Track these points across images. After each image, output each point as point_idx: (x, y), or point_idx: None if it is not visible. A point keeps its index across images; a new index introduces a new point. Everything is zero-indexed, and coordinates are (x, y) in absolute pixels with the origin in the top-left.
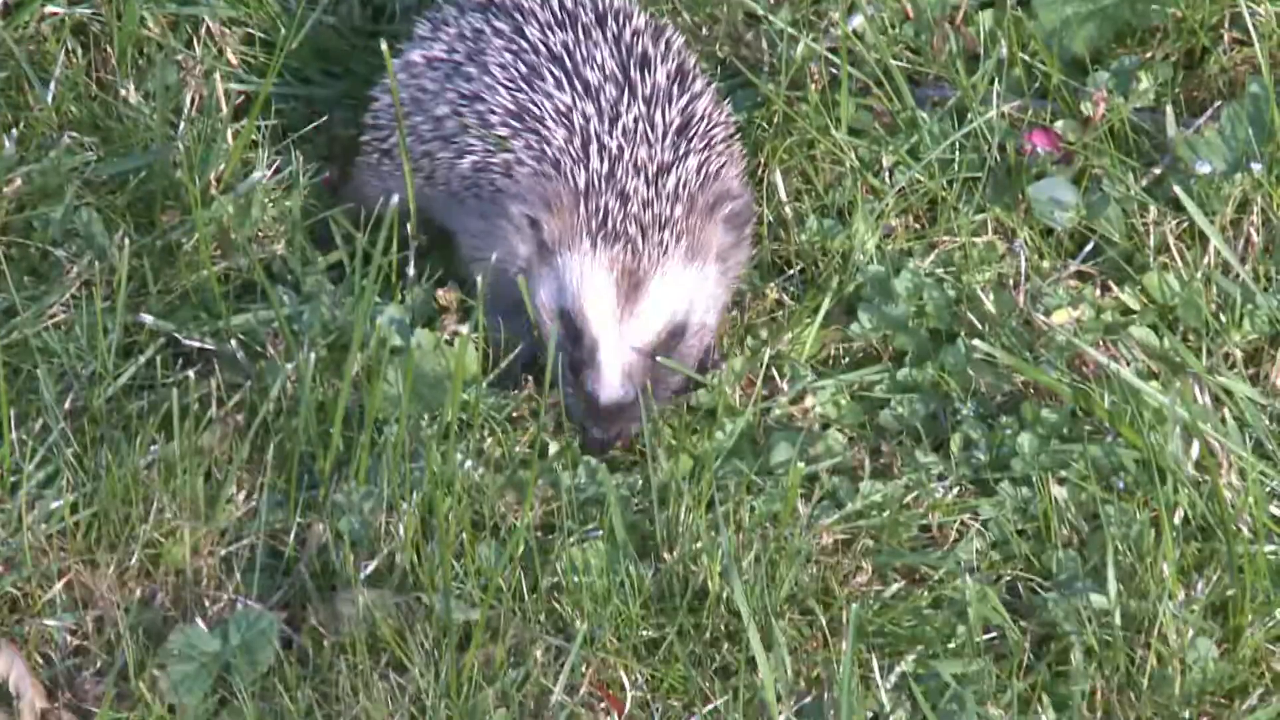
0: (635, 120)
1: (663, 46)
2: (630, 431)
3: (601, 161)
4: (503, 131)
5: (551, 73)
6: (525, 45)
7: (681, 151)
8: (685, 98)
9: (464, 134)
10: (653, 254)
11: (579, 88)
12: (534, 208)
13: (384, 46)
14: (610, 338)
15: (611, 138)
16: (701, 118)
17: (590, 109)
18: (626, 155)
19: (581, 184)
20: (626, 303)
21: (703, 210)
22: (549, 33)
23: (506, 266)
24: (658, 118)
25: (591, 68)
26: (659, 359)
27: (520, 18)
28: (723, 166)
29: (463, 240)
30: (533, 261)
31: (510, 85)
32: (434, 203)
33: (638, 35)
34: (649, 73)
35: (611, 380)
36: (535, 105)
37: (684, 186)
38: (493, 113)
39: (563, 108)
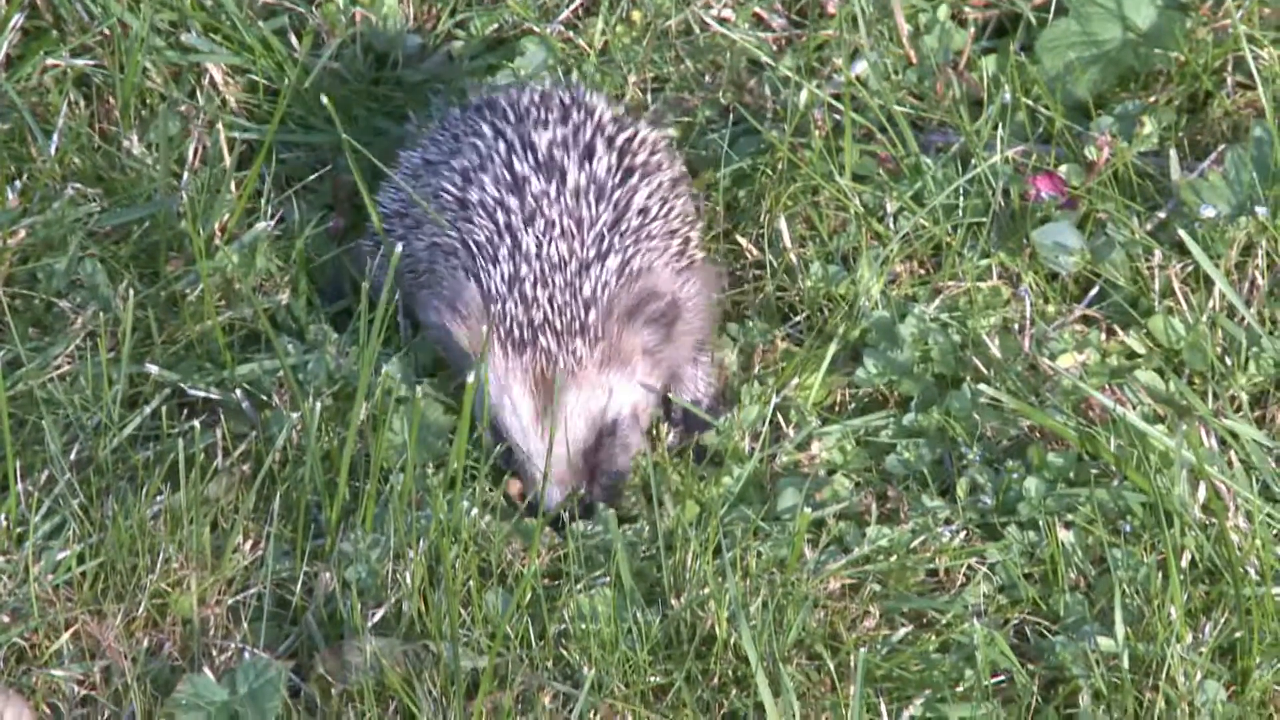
0: (560, 214)
1: (614, 138)
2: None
3: (511, 263)
4: (446, 217)
5: (491, 166)
6: (484, 140)
7: (605, 247)
8: (623, 190)
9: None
10: (566, 361)
11: (507, 180)
12: (444, 316)
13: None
14: (534, 450)
15: (529, 233)
16: (640, 211)
17: (514, 202)
18: (543, 253)
19: (492, 289)
20: (544, 417)
21: (622, 315)
22: (504, 126)
23: (449, 349)
24: (584, 212)
25: (526, 159)
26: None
27: (489, 115)
28: (654, 261)
29: (426, 333)
30: (458, 366)
31: (461, 175)
32: (412, 291)
33: (593, 126)
34: (590, 163)
35: (548, 490)
36: (472, 198)
37: (603, 288)
38: (443, 202)
39: (491, 201)
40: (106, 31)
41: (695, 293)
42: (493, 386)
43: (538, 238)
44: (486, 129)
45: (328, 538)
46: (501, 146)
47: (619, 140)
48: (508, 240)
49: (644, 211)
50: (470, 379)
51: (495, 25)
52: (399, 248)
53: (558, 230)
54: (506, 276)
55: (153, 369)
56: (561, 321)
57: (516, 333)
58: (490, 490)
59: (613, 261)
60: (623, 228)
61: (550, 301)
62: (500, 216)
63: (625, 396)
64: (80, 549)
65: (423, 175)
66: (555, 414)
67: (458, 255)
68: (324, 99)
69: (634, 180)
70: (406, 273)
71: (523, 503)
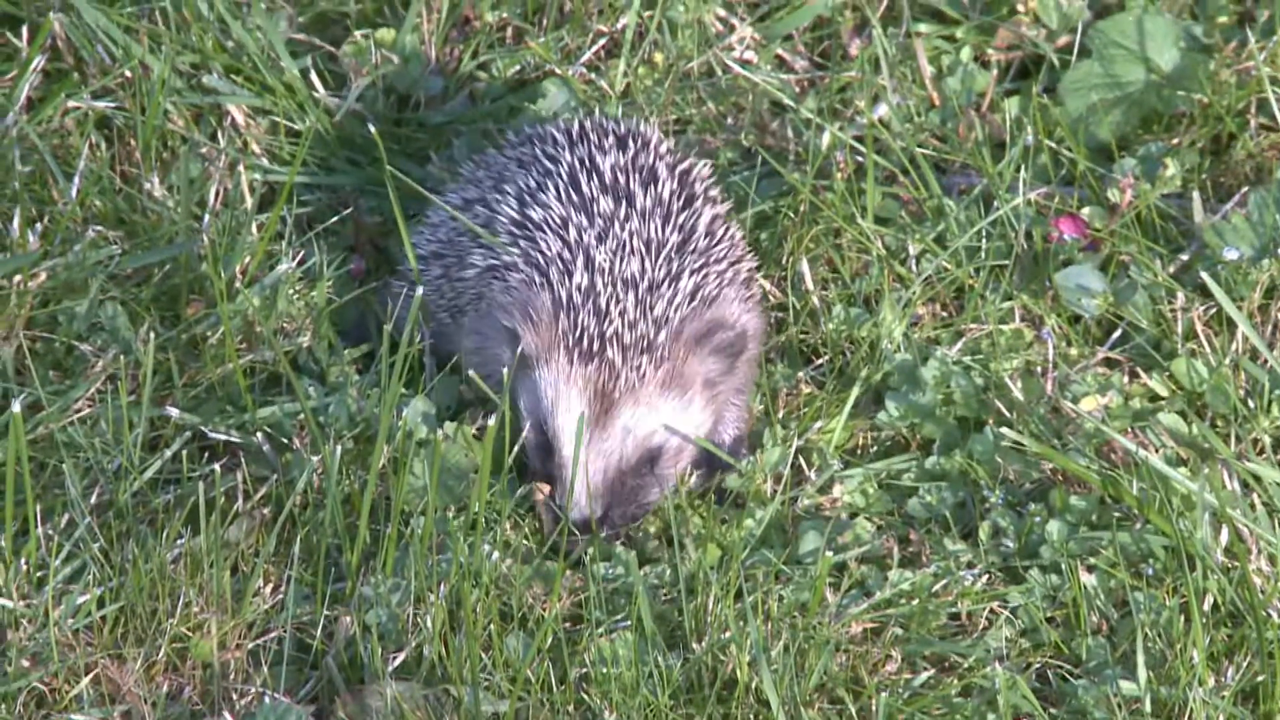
0: (630, 234)
1: (674, 165)
2: (585, 547)
3: (586, 275)
4: (504, 239)
5: (555, 186)
6: (539, 166)
7: (676, 269)
8: (687, 213)
9: (471, 244)
10: (629, 378)
11: (575, 200)
12: (513, 319)
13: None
14: (580, 458)
15: (600, 250)
16: (705, 234)
17: (584, 221)
18: (615, 269)
19: (563, 297)
20: (597, 425)
21: (689, 340)
22: (562, 151)
23: (490, 374)
24: (652, 233)
25: (592, 181)
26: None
27: (541, 144)
28: (722, 289)
29: (466, 359)
30: (514, 370)
31: (517, 198)
32: (444, 330)
33: (652, 153)
34: (653, 186)
35: (579, 499)
36: (534, 216)
37: (674, 309)
38: (499, 222)
39: (558, 219)
40: (128, 74)
41: (758, 328)
42: (549, 389)
43: (609, 255)
44: (541, 155)
45: (348, 581)
46: (564, 168)
47: (678, 168)
48: (581, 255)
49: (710, 235)
50: (494, 417)
51: (517, 67)
52: (419, 292)
53: (629, 249)
54: (582, 288)
55: (173, 412)
56: (630, 337)
57: (585, 343)
58: (511, 529)
59: (685, 283)
60: (690, 249)
61: (622, 316)
62: (570, 233)
63: (679, 424)
64: (100, 593)
65: (466, 212)
66: (608, 425)
67: (518, 270)
68: (371, 128)
69: (697, 204)
70: (440, 312)
71: (549, 505)
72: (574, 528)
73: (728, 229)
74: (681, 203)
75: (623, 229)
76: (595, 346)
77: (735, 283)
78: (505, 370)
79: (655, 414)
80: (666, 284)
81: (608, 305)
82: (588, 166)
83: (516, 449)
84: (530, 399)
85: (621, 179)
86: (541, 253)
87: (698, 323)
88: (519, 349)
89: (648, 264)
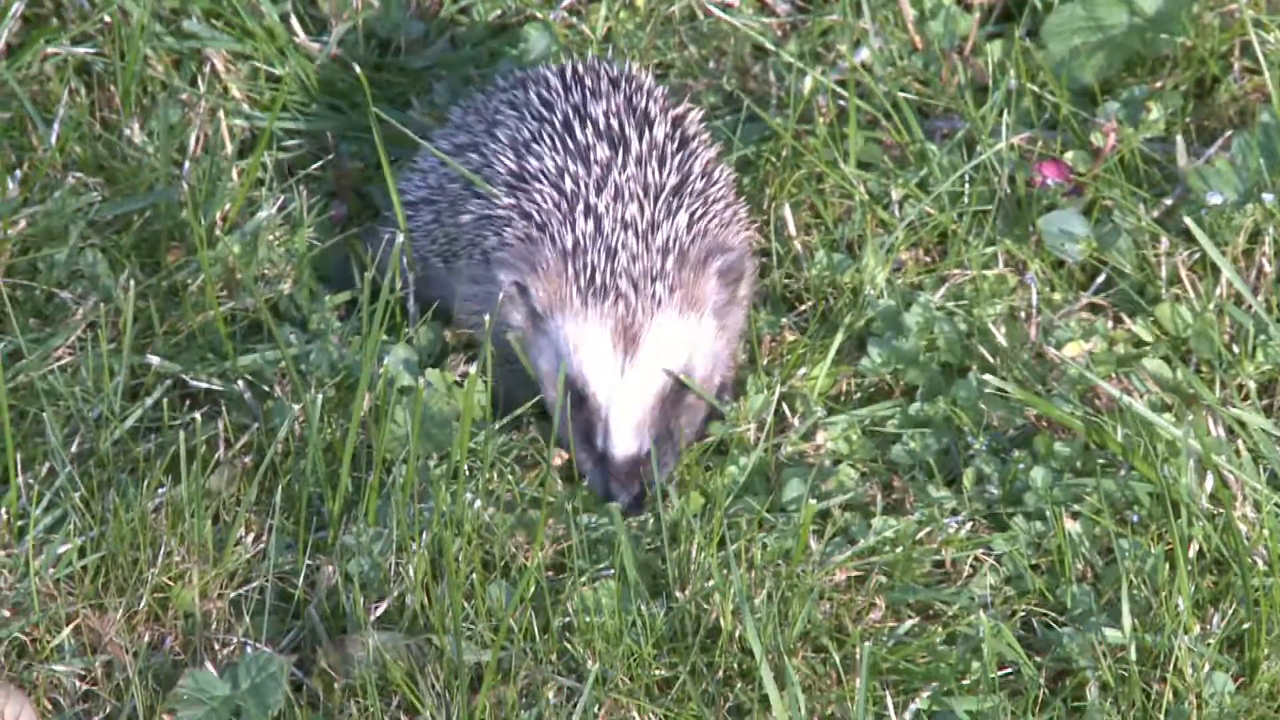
0: (627, 180)
1: (668, 109)
2: (649, 486)
3: (587, 221)
4: (499, 191)
5: (549, 135)
6: (532, 112)
7: (673, 209)
8: (682, 155)
9: (463, 190)
10: (646, 306)
11: (571, 148)
12: (521, 273)
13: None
14: (615, 394)
15: (600, 198)
16: (701, 175)
17: (580, 170)
18: (615, 214)
19: (568, 245)
20: (626, 357)
21: (695, 263)
22: (556, 96)
23: (501, 329)
24: (649, 177)
25: (587, 128)
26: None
27: (534, 88)
28: (716, 224)
29: (459, 306)
30: (527, 330)
31: (511, 148)
32: (435, 274)
33: (645, 96)
34: (648, 131)
35: (624, 436)
36: (530, 167)
37: (674, 241)
38: (494, 172)
39: (554, 169)
40: (107, 19)
41: (753, 265)
42: (570, 335)
43: (609, 201)
44: (535, 99)
45: (330, 531)
46: (558, 115)
47: (671, 113)
48: (580, 204)
49: (705, 176)
50: (519, 340)
51: (498, 11)
52: (399, 240)
53: (627, 195)
54: (587, 233)
55: (154, 360)
56: (639, 268)
57: (598, 282)
58: (495, 478)
59: (681, 218)
60: (687, 190)
61: (627, 250)
62: (567, 184)
63: (699, 348)
64: (81, 543)
65: (459, 158)
66: (636, 356)
67: (513, 225)
68: (357, 70)
69: (692, 146)
70: (432, 256)
71: (590, 460)
72: (623, 469)
73: (722, 172)
74: (676, 145)
75: (621, 174)
76: (609, 284)
77: (732, 224)
78: (510, 325)
79: (678, 337)
80: (666, 222)
81: (614, 244)
82: (582, 113)
83: (517, 413)
84: (548, 355)
85: (616, 124)
86: (539, 205)
87: (699, 247)
88: (529, 304)
89: (646, 208)
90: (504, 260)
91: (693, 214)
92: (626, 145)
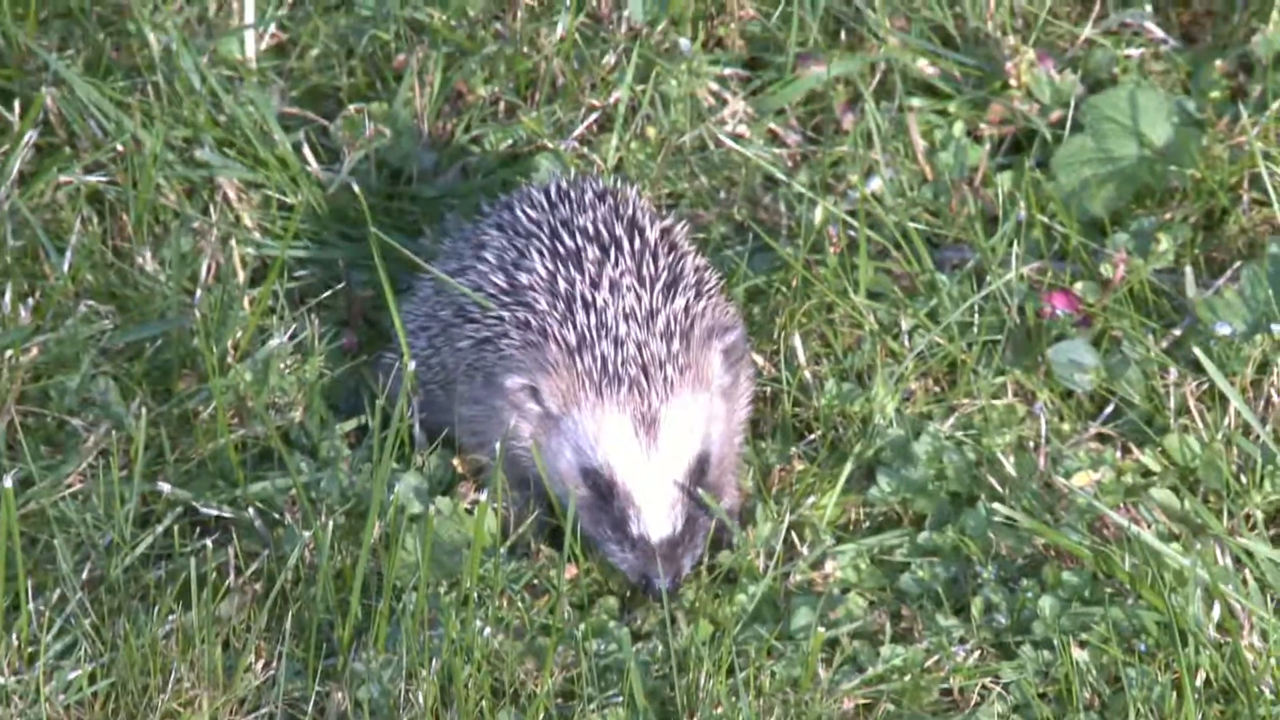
0: (620, 274)
1: (655, 218)
2: (687, 567)
3: (588, 315)
4: (494, 305)
5: (537, 249)
6: (519, 230)
7: (670, 296)
8: (673, 256)
9: (457, 319)
10: (660, 390)
11: (561, 254)
12: (529, 375)
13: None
14: (643, 477)
15: (597, 292)
16: (694, 271)
17: (573, 272)
18: (613, 307)
19: (572, 342)
20: (649, 441)
21: (699, 342)
22: (543, 212)
23: (510, 446)
24: (644, 270)
25: (575, 237)
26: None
27: (519, 206)
28: (712, 307)
29: (461, 430)
30: (539, 435)
31: (500, 264)
32: (436, 400)
33: (632, 205)
34: (637, 235)
35: (658, 519)
36: (521, 280)
37: (675, 324)
38: (488, 294)
39: (545, 275)
40: (120, 148)
41: (750, 347)
42: (589, 428)
43: (605, 297)
44: (521, 216)
45: (340, 657)
46: (545, 230)
47: (658, 223)
48: (578, 300)
49: (697, 273)
50: (542, 444)
51: (510, 141)
52: (411, 366)
53: (623, 287)
54: (591, 325)
55: (165, 487)
56: (647, 354)
57: (610, 371)
58: (504, 609)
59: (679, 303)
60: (680, 285)
61: (632, 339)
62: (560, 285)
63: (714, 426)
64: (92, 669)
65: (445, 288)
66: (658, 440)
67: (510, 337)
68: (359, 196)
69: (682, 249)
70: (430, 384)
71: (623, 549)
72: (662, 551)
73: (713, 280)
74: (667, 249)
75: (614, 270)
76: (620, 373)
77: (723, 308)
78: (525, 441)
79: (694, 415)
80: (664, 308)
81: (619, 334)
82: (570, 225)
83: (524, 528)
84: (566, 452)
85: (605, 230)
86: (535, 310)
87: (702, 326)
88: (541, 406)
89: (643, 297)
90: (510, 366)
91: (689, 300)
92: (618, 245)
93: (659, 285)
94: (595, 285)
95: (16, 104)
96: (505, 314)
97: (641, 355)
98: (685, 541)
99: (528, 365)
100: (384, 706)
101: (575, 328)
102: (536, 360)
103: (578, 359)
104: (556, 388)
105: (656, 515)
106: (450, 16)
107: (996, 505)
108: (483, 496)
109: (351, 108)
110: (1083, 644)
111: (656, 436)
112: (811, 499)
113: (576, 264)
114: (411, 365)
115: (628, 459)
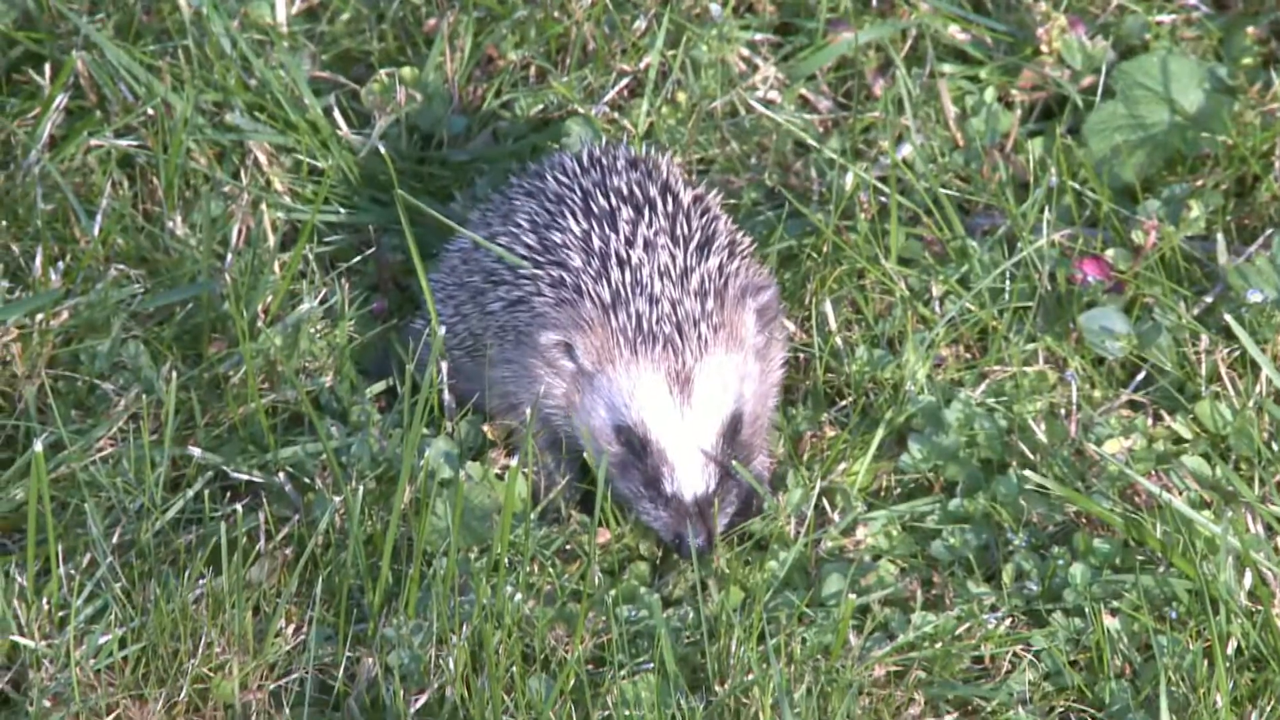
0: (655, 233)
1: (688, 184)
2: (721, 526)
3: (623, 272)
4: (526, 264)
5: (570, 208)
6: (549, 195)
7: (704, 255)
8: (707, 218)
9: (486, 284)
10: (694, 349)
11: (595, 213)
12: (564, 331)
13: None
14: (677, 435)
15: (631, 250)
16: (726, 234)
17: (608, 231)
18: (648, 265)
19: (607, 298)
20: (683, 399)
21: (734, 301)
22: (574, 177)
23: (542, 406)
24: (678, 230)
25: (609, 198)
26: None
27: (550, 173)
28: (745, 267)
29: (491, 394)
30: (573, 393)
31: (532, 227)
32: (464, 368)
33: (665, 171)
34: (672, 198)
35: (692, 476)
36: (554, 239)
37: (710, 282)
38: (519, 254)
39: (579, 234)
40: (150, 112)
41: (784, 307)
42: (622, 386)
43: (640, 255)
44: (551, 182)
45: (370, 622)
46: (578, 192)
47: (692, 189)
48: (613, 258)
49: (729, 235)
50: (582, 400)
51: (540, 106)
52: (441, 331)
53: (658, 245)
54: (626, 283)
55: (195, 452)
56: (681, 312)
57: (645, 329)
58: (534, 574)
59: (713, 263)
60: (715, 244)
61: (666, 296)
62: (595, 243)
63: (748, 385)
64: (122, 633)
65: (479, 250)
66: (692, 398)
67: (543, 294)
68: (386, 158)
69: (713, 212)
70: (455, 350)
71: (656, 506)
72: (695, 509)
73: (745, 244)
74: (700, 211)
75: (649, 230)
76: (655, 330)
77: (757, 269)
78: (558, 398)
79: (728, 375)
80: (698, 267)
81: (654, 292)
82: (604, 187)
83: (555, 493)
84: (600, 409)
85: (638, 191)
86: (569, 267)
87: (736, 285)
88: (576, 362)
89: (678, 255)
90: (544, 323)
91: (722, 259)
92: (652, 206)
93: (693, 244)
94: (630, 244)
95: (47, 68)
96: (539, 272)
97: (676, 313)
98: (718, 500)
99: (562, 322)
100: (414, 672)
101: (610, 284)
102: (571, 317)
103: (612, 316)
104: (591, 344)
105: (690, 473)
106: None
107: (1028, 472)
108: (513, 462)
109: (382, 72)
110: (1114, 612)
111: (690, 395)
112: (843, 465)
113: (611, 223)
114: (441, 330)
115: (661, 417)
